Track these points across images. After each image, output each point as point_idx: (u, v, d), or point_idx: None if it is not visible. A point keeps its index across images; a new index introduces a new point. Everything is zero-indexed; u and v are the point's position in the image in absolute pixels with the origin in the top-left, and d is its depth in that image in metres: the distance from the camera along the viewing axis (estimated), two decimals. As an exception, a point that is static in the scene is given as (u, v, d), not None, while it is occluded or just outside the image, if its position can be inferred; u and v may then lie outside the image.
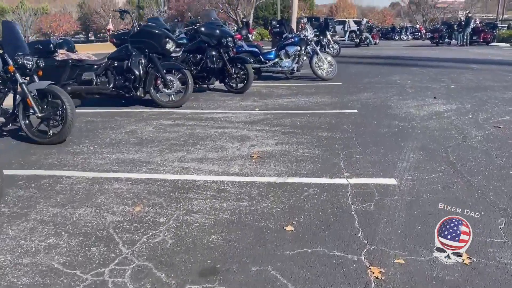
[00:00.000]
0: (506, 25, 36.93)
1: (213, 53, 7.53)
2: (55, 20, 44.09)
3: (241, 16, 30.73)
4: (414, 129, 4.95)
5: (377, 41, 26.33)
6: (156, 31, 6.23)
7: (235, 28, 17.39)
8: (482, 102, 6.44)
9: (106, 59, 6.41)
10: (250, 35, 14.52)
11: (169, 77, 6.39)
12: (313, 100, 6.97)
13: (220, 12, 32.25)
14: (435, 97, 6.86)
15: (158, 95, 6.50)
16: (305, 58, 9.45)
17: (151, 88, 6.40)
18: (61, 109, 4.43)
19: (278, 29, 15.29)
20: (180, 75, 6.47)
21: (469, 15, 23.62)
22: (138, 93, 6.35)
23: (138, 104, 6.79)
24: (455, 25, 25.37)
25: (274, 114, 5.99)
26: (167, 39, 6.32)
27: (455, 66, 11.65)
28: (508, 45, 23.65)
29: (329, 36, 15.24)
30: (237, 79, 7.76)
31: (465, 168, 3.62)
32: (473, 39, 24.04)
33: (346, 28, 25.37)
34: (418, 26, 41.49)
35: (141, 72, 6.20)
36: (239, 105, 6.69)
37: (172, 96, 6.52)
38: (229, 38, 7.55)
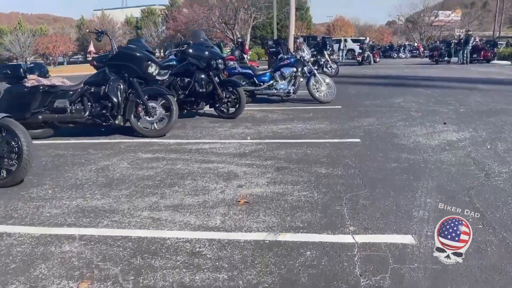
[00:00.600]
0: (505, 43, 36.78)
1: (202, 76, 6.95)
2: (52, 41, 43.85)
3: (238, 35, 30.46)
4: (426, 163, 4.31)
5: (378, 59, 26.31)
6: (136, 54, 5.65)
7: (232, 47, 16.98)
8: (498, 129, 5.81)
9: (82, 85, 5.82)
10: (245, 55, 14.03)
11: (151, 104, 5.79)
12: (311, 126, 6.35)
13: (217, 31, 32.06)
14: (444, 123, 6.25)
15: (139, 123, 5.88)
16: (301, 79, 8.89)
17: (132, 115, 5.79)
18: (17, 145, 3.79)
19: (274, 49, 14.87)
20: (163, 101, 5.87)
21: (469, 33, 23.30)
22: (116, 122, 5.73)
23: (118, 133, 6.16)
24: (454, 43, 25.07)
25: (267, 144, 5.35)
26: (149, 62, 5.74)
27: (460, 86, 11.10)
28: (509, 62, 23.26)
29: (327, 56, 14.77)
30: (228, 103, 7.17)
31: (495, 219, 2.97)
32: (473, 57, 23.67)
33: (342, 47, 24.97)
34: (416, 44, 41.37)
35: (120, 98, 5.60)
36: (229, 133, 6.06)
37: (155, 124, 5.90)
38: (219, 60, 6.98)
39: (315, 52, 14.75)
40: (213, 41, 31.98)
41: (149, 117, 5.81)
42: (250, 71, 8.81)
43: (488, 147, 4.90)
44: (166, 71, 7.15)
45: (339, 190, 3.63)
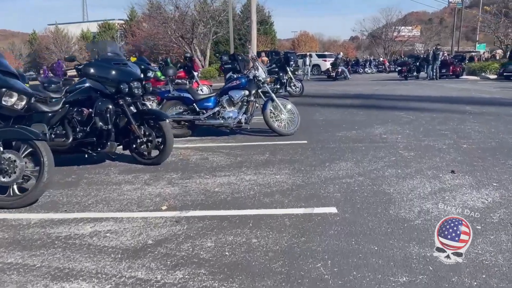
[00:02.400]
0: (468, 57, 36.61)
1: (108, 106, 4.84)
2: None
3: (197, 50, 28.51)
4: (460, 275, 2.38)
5: (350, 75, 25.47)
6: (-27, 77, 3.50)
7: (179, 63, 14.83)
8: (535, 183, 4.01)
9: None
10: (196, 73, 12.01)
11: (7, 155, 3.63)
12: (264, 179, 4.35)
13: (174, 46, 29.99)
14: (453, 171, 4.40)
15: (-11, 186, 3.70)
16: (257, 105, 6.94)
17: (-25, 175, 3.60)
18: None
19: (230, 65, 12.93)
20: (30, 149, 3.73)
21: (438, 47, 22.26)
22: None
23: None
24: (423, 58, 24.06)
25: (189, 221, 3.31)
26: (3, 89, 3.61)
27: (445, 108, 9.45)
28: (477, 78, 22.38)
29: (290, 73, 12.96)
30: (149, 144, 5.08)
31: None
32: (442, 72, 22.66)
33: (307, 63, 23.28)
34: (381, 59, 40.77)
35: None
36: (138, 196, 3.97)
37: (15, 187, 3.73)
38: (135, 83, 4.91)
39: (277, 69, 12.95)
40: (170, 56, 29.88)
41: (3, 177, 3.64)
42: (188, 95, 6.78)
43: (543, 224, 3.05)
44: (59, 97, 5.01)
45: None
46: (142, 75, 5.21)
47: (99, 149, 4.95)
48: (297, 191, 3.96)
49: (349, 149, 5.60)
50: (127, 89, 4.83)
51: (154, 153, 5.12)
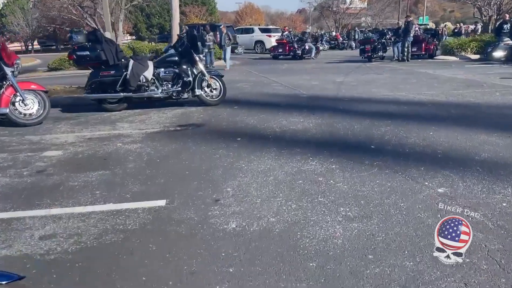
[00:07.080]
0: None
1: None
2: None
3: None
4: None
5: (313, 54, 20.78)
6: None
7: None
8: None
9: None
10: (10, 69, 6.04)
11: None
12: None
13: (74, 18, 23.14)
14: None
15: None
16: None
17: None
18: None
19: (88, 52, 7.07)
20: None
21: (409, 19, 17.37)
22: None
23: None
24: (393, 32, 19.27)
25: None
26: None
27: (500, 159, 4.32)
28: (457, 58, 17.93)
29: (201, 65, 7.34)
30: None
31: None
32: (413, 51, 18.00)
33: (222, 41, 15.35)
34: (334, 33, 35.83)
35: None
36: None
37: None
38: None
39: (176, 58, 7.29)
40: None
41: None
42: None
43: None
44: None
45: None
46: None
47: None
48: None
49: None
50: None
51: None
